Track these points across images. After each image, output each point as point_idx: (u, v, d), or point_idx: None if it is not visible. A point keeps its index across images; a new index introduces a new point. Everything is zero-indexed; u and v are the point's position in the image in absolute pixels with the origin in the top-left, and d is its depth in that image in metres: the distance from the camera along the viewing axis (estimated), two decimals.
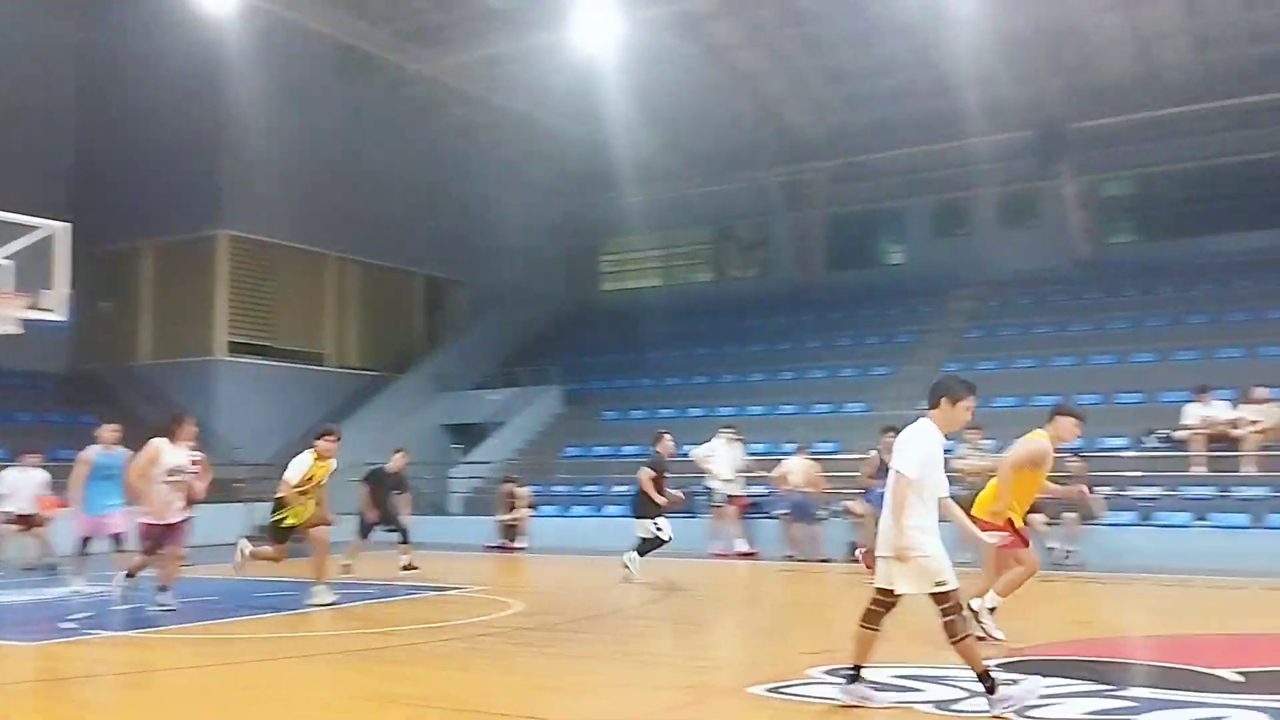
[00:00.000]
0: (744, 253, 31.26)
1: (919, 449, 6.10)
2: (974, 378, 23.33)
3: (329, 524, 11.34)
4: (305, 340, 26.91)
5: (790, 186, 28.06)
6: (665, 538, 14.21)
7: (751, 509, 18.75)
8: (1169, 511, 16.68)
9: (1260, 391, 17.11)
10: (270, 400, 24.66)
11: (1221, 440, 17.14)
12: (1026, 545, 8.64)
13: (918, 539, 5.98)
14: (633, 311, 29.55)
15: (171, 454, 10.55)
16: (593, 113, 24.48)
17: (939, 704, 6.19)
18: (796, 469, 18.07)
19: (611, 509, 21.11)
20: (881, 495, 12.81)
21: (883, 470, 12.87)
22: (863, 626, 6.20)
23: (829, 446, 20.09)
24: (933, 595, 5.95)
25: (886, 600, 6.13)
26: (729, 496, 18.32)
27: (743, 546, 18.12)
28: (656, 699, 6.74)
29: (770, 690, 6.62)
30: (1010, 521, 8.46)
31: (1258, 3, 20.92)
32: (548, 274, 30.99)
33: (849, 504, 18.13)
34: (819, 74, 25.19)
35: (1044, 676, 6.68)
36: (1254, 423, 16.83)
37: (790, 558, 17.57)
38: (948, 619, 5.92)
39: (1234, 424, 17.10)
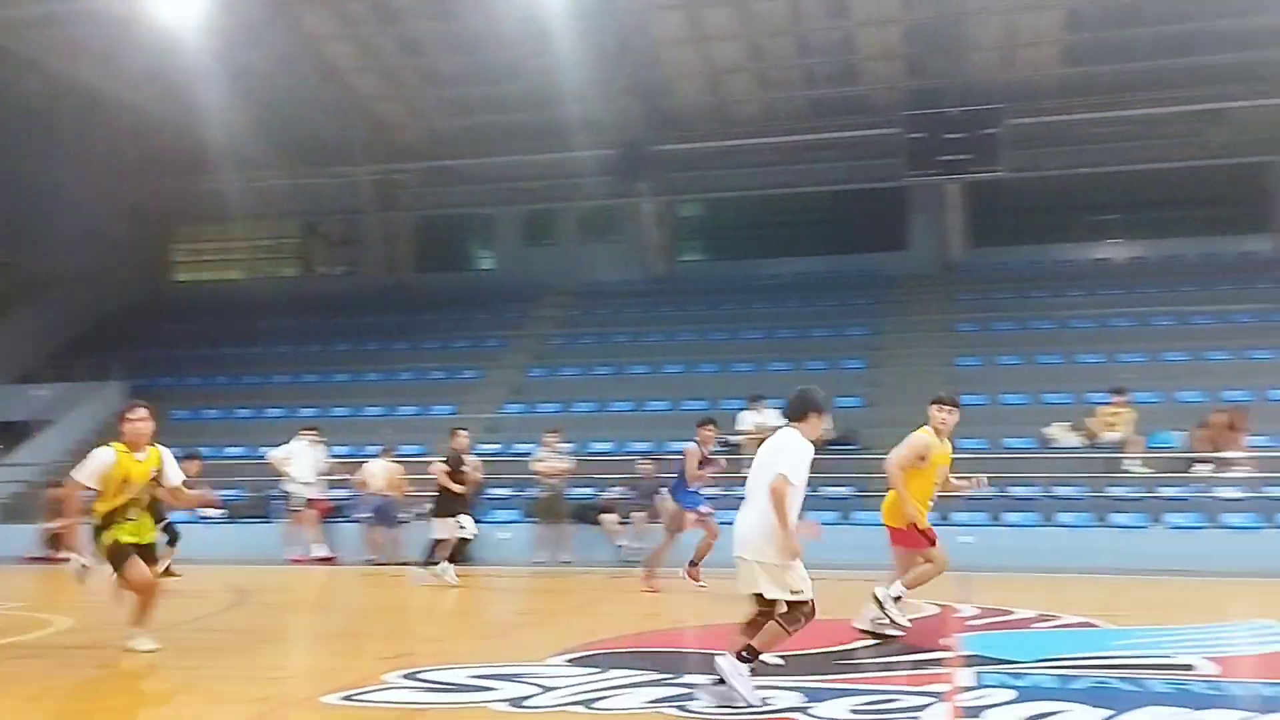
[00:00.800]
0: (332, 249, 30.41)
1: (804, 459, 6.31)
2: (557, 384, 24.04)
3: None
4: None
5: (382, 185, 27.64)
6: (469, 535, 13.97)
7: (332, 513, 18.29)
8: (725, 510, 18.15)
9: None
10: None
11: None
12: (933, 544, 8.81)
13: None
14: (209, 304, 27.84)
15: None
16: (171, 91, 22.79)
17: (513, 701, 6.35)
18: (379, 472, 17.85)
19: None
20: (695, 494, 12.79)
21: (703, 464, 12.70)
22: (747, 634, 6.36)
23: (414, 449, 20.00)
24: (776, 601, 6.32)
25: (769, 607, 6.36)
26: (308, 500, 17.77)
27: (321, 551, 17.62)
28: (221, 714, 6.40)
29: (345, 698, 6.49)
30: (914, 524, 8.70)
31: (812, 50, 23.34)
32: (113, 260, 28.31)
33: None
34: (414, 75, 25.06)
35: (610, 669, 7.05)
36: None
37: (371, 562, 17.33)
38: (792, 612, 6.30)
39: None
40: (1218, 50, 21.67)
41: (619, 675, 7.00)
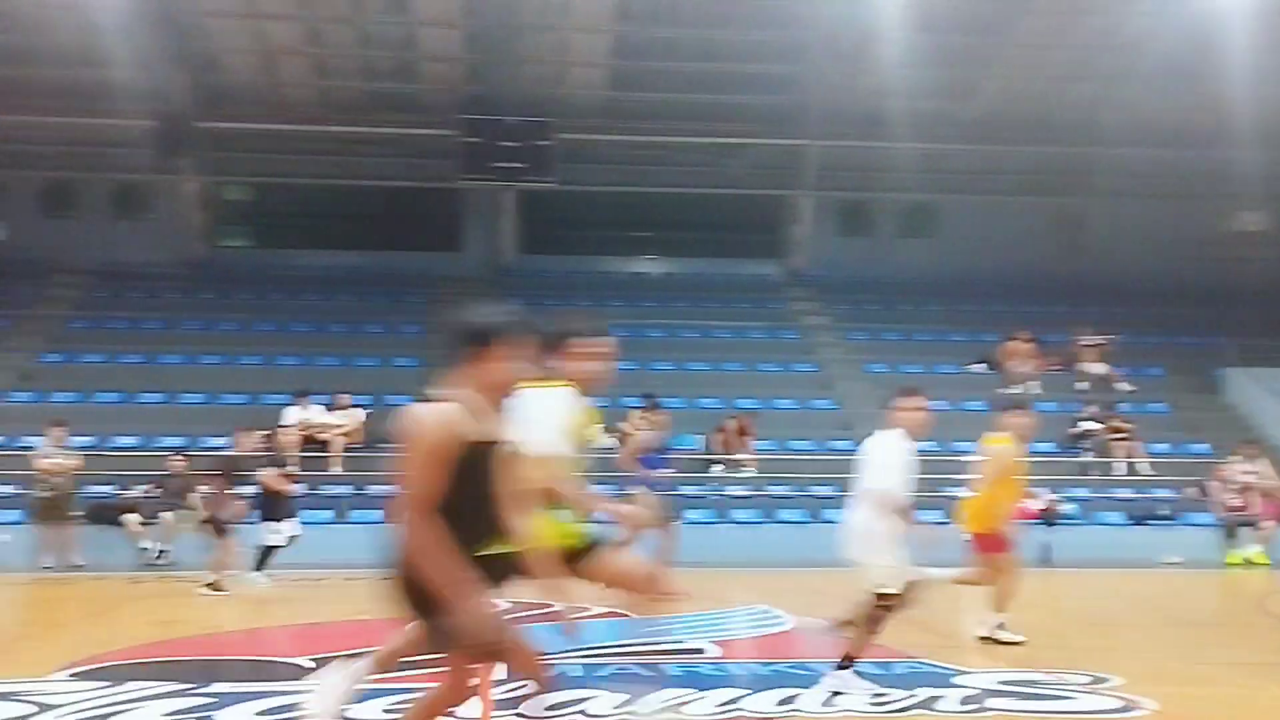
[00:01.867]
0: None
1: (889, 462, 6.77)
2: (75, 371, 22.09)
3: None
4: None
5: None
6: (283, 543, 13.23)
7: None
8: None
9: (345, 398, 19.03)
10: None
11: (313, 442, 18.59)
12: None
13: None
14: None
15: None
16: None
17: None
18: None
19: None
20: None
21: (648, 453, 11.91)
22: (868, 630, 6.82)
23: None
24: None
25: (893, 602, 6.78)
26: None
27: None
28: None
29: None
30: (996, 530, 8.71)
31: (371, 43, 23.01)
32: None
33: None
34: None
35: (124, 682, 6.52)
36: (339, 427, 18.58)
37: None
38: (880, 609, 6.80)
39: (324, 427, 18.69)
40: (740, 91, 23.97)
41: (134, 688, 6.50)
